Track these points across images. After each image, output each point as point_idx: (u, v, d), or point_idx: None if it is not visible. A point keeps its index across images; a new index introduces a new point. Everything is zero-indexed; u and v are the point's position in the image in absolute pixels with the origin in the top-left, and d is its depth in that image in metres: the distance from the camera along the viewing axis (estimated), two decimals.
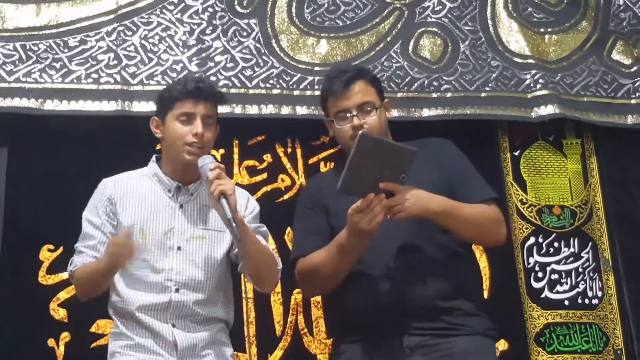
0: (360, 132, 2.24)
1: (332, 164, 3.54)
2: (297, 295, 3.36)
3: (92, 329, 3.19)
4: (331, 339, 3.18)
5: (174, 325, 2.31)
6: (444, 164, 2.53)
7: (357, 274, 2.42)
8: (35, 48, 3.37)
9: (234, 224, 2.17)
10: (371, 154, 2.15)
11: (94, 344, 3.17)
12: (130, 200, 2.44)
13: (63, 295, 3.22)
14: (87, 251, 2.38)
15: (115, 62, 3.40)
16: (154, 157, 2.55)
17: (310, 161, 3.56)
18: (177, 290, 2.33)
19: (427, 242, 2.42)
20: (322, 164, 3.57)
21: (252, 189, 3.22)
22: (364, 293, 2.42)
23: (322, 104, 2.67)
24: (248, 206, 2.50)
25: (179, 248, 2.37)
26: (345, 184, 2.16)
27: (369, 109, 2.54)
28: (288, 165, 3.52)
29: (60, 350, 3.15)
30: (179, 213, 2.42)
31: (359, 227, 2.22)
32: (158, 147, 3.32)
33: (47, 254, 3.26)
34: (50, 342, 3.16)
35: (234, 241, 2.34)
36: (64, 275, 3.19)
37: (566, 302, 3.51)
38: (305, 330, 3.34)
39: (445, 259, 2.43)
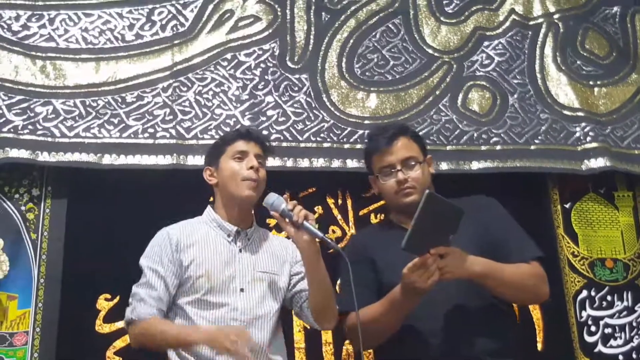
0: (427, 191, 2.27)
1: (383, 215, 3.57)
2: (348, 346, 3.37)
3: None
4: None
5: None
6: (487, 223, 2.56)
7: (407, 329, 2.44)
8: (94, 104, 3.46)
9: (327, 238, 2.40)
10: (433, 212, 2.20)
11: None
12: (193, 245, 2.55)
13: (119, 343, 3.28)
14: (150, 301, 2.46)
15: (171, 117, 3.48)
16: (209, 206, 2.69)
17: (361, 213, 3.59)
18: None
19: (476, 300, 2.45)
20: (372, 215, 3.60)
21: None
22: (413, 348, 2.45)
23: (367, 162, 2.74)
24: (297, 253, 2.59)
25: (241, 290, 2.49)
26: (410, 243, 2.19)
27: (412, 163, 2.60)
28: (339, 217, 3.55)
29: None
30: (239, 257, 2.55)
31: (415, 286, 2.26)
32: (212, 199, 3.45)
33: (104, 303, 3.33)
34: None
35: (308, 272, 2.50)
36: (120, 325, 3.28)
37: (620, 357, 3.47)
38: None
39: (494, 316, 2.46)
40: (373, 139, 2.71)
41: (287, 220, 2.45)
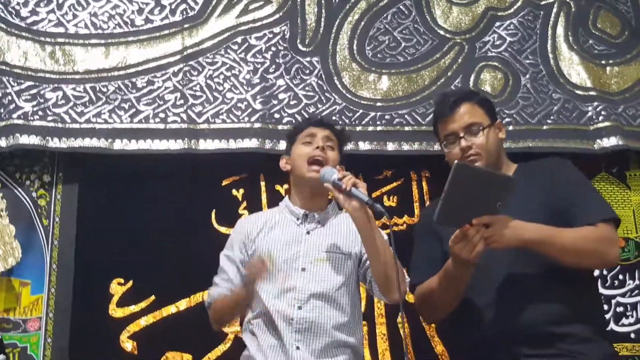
0: (455, 161, 2.18)
1: (395, 197, 3.58)
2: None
3: None
4: None
5: (297, 348, 2.39)
6: (556, 185, 2.45)
7: (468, 302, 2.41)
8: (105, 89, 3.47)
9: (371, 202, 2.34)
10: (468, 183, 2.12)
11: None
12: (262, 231, 2.62)
13: (133, 327, 3.30)
14: (222, 283, 2.57)
15: (182, 101, 3.49)
16: (286, 196, 2.75)
17: (374, 195, 3.58)
18: (299, 308, 2.43)
19: (537, 266, 2.35)
20: (385, 197, 3.60)
21: None
22: (475, 320, 2.40)
23: (435, 131, 2.68)
24: None
25: (303, 269, 2.50)
26: (442, 215, 2.14)
27: (477, 129, 2.53)
28: None
29: None
30: (305, 238, 2.57)
31: (461, 257, 2.22)
32: (224, 183, 3.46)
33: (117, 288, 3.34)
34: None
35: (363, 240, 2.45)
36: (134, 308, 3.31)
37: (632, 335, 3.47)
38: None
39: (558, 282, 2.35)
40: (436, 107, 2.67)
41: (338, 189, 2.44)
